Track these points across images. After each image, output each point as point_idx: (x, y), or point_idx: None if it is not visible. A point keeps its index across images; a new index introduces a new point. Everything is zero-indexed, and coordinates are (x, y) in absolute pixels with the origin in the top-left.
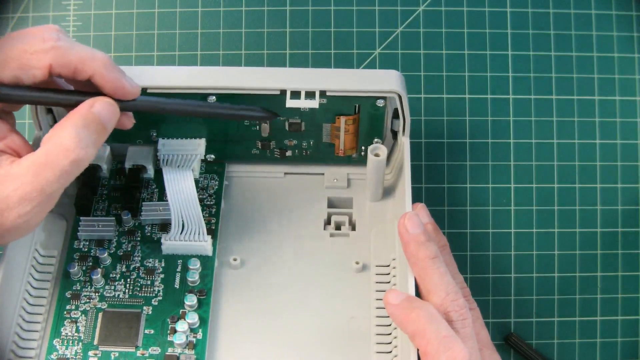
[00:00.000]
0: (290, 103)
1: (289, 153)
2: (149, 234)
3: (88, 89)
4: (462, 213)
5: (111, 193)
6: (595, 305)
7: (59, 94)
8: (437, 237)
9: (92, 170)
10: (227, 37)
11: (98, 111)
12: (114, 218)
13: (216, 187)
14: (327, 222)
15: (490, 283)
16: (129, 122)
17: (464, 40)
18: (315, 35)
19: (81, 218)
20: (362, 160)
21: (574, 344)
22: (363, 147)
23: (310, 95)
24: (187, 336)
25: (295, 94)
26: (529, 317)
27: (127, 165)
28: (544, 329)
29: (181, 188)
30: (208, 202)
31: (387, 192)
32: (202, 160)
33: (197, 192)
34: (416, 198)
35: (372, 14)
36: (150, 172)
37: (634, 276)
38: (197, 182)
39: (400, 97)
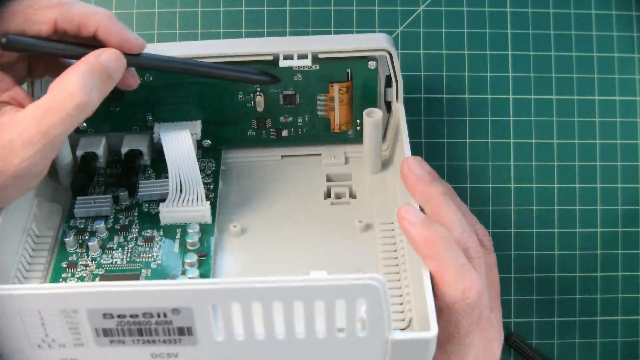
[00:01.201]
0: (283, 63)
1: (284, 133)
2: (146, 209)
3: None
4: None
5: (108, 179)
6: (595, 305)
7: (67, 44)
8: (444, 183)
9: (88, 158)
10: (227, 37)
11: (104, 60)
12: (110, 196)
13: (213, 168)
14: (328, 194)
15: None
16: (134, 81)
17: (464, 40)
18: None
19: (77, 197)
20: (358, 138)
21: (574, 344)
22: (358, 121)
23: (302, 57)
24: None
25: (288, 58)
26: (529, 317)
27: (124, 150)
28: (544, 329)
29: (179, 147)
30: (206, 181)
31: (386, 165)
32: (199, 147)
33: (196, 157)
34: None
35: (372, 13)
36: (147, 158)
37: (634, 276)
38: None
39: (390, 55)
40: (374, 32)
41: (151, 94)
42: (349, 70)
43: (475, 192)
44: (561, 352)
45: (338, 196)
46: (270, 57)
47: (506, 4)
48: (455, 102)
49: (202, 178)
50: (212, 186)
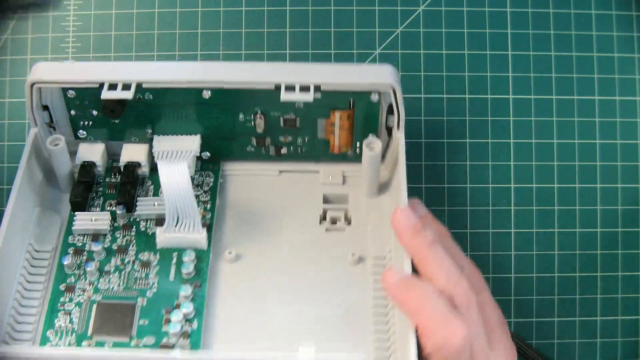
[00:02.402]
0: (284, 97)
1: (284, 150)
2: (143, 229)
3: None
4: (462, 213)
5: (106, 190)
6: (595, 305)
7: None
8: (437, 227)
9: (87, 168)
10: (227, 37)
11: None
12: (109, 212)
13: (211, 183)
14: (323, 217)
15: (490, 283)
16: None
17: (464, 40)
18: (315, 35)
19: (76, 213)
20: (357, 158)
21: (574, 344)
22: (358, 144)
23: (304, 89)
24: (182, 326)
25: (290, 88)
26: (529, 317)
27: (122, 162)
28: (544, 329)
29: (176, 180)
30: (203, 199)
31: (383, 188)
32: (198, 158)
33: (192, 189)
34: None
35: (372, 14)
36: (145, 170)
37: (634, 276)
38: (192, 179)
39: (394, 90)
40: (374, 32)
41: (150, 112)
42: (351, 100)
43: (474, 192)
44: (561, 352)
45: (333, 221)
46: (272, 87)
47: (506, 4)
48: (455, 102)
49: (199, 194)
50: (209, 205)
